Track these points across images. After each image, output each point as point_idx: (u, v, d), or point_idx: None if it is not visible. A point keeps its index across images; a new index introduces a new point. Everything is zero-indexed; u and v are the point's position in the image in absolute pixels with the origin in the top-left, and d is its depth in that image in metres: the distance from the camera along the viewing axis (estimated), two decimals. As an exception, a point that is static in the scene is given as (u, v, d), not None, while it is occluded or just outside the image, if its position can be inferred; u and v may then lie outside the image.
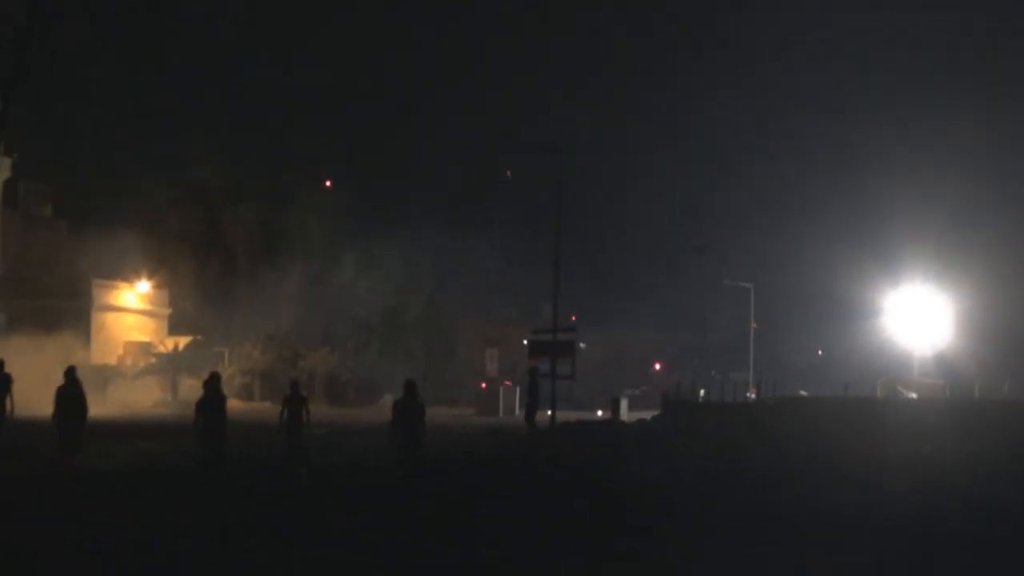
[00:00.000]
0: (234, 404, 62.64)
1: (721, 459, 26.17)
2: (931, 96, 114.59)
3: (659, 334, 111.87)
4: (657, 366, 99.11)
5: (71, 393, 23.87)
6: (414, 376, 23.45)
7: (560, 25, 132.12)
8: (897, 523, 18.06)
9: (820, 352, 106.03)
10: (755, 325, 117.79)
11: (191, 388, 63.73)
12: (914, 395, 52.56)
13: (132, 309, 67.77)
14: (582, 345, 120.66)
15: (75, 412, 23.93)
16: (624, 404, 46.63)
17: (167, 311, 70.38)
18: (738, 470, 24.16)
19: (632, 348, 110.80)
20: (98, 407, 52.58)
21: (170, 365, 63.79)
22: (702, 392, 59.00)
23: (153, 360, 64.47)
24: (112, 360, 63.65)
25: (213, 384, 21.37)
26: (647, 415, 43.90)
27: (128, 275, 66.70)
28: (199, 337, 67.21)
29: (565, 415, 51.53)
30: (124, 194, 69.71)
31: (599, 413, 52.02)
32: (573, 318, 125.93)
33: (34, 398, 49.75)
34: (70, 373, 24.22)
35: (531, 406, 33.61)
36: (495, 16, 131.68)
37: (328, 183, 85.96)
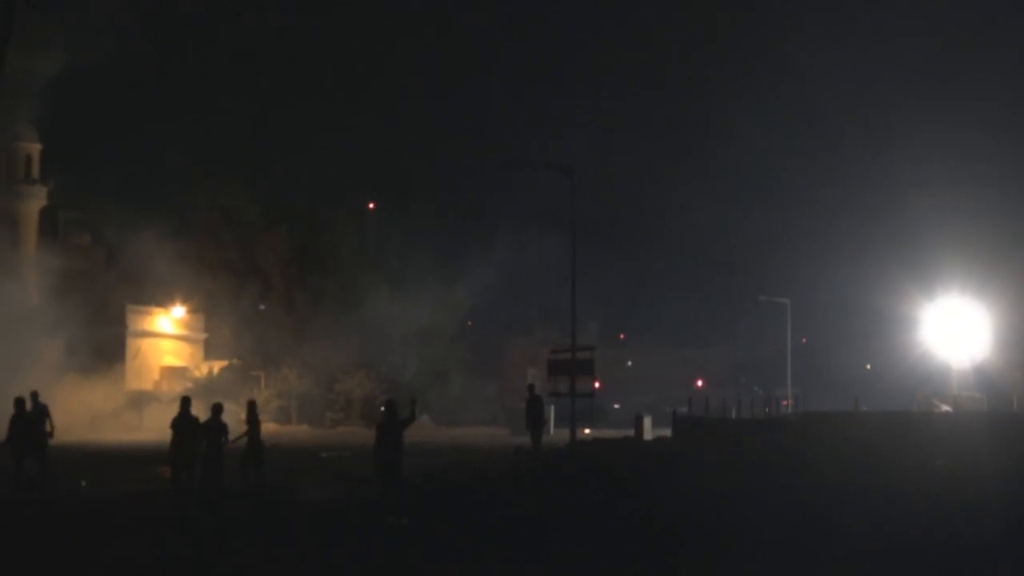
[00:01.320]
0: (271, 428, 64.21)
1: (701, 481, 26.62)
2: (972, 108, 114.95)
3: (702, 350, 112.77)
4: (699, 383, 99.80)
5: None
6: (415, 395, 24.44)
7: (585, 45, 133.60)
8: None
9: (868, 366, 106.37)
10: (804, 340, 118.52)
11: (228, 413, 65.18)
12: (949, 408, 53.05)
13: (168, 334, 69.44)
14: (629, 363, 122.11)
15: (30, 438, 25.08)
16: (648, 422, 47.40)
17: (203, 336, 71.91)
18: (715, 492, 24.56)
19: (676, 365, 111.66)
20: (134, 432, 54.30)
21: (206, 390, 65.17)
22: (734, 409, 59.76)
23: (189, 385, 65.91)
24: (148, 385, 65.21)
25: (185, 406, 22.48)
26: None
27: (163, 301, 68.32)
28: (235, 361, 68.69)
29: (605, 432, 52.57)
30: (161, 221, 71.38)
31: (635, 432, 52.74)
32: (622, 336, 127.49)
33: (67, 423, 51.51)
34: (25, 400, 25.52)
35: (534, 425, 34.43)
36: (522, 38, 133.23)
37: (371, 205, 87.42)
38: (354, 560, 16.94)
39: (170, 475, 22.59)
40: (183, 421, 22.59)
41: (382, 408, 22.03)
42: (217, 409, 23.05)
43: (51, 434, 26.74)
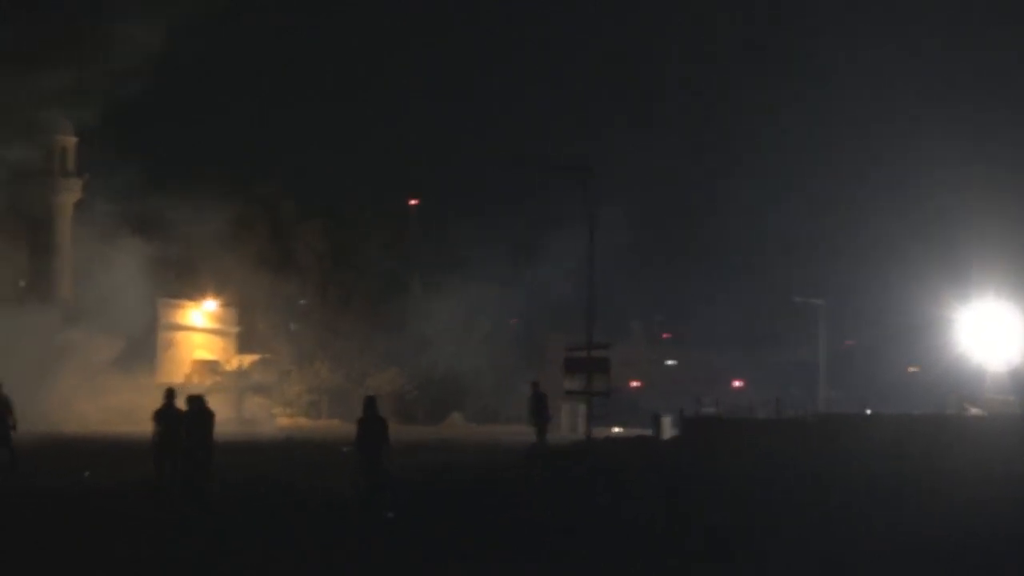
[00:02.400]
0: (302, 422, 65.26)
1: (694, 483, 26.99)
2: (1005, 111, 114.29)
3: (746, 351, 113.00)
4: (736, 383, 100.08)
5: None
6: (407, 392, 25.12)
7: (610, 44, 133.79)
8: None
9: (913, 369, 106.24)
10: (848, 342, 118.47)
11: (259, 406, 66.52)
12: (980, 411, 53.27)
13: (200, 328, 70.61)
14: (669, 362, 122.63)
15: None
16: (667, 421, 47.97)
17: (235, 330, 73.08)
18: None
19: (719, 365, 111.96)
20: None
21: (237, 384, 66.43)
22: (767, 410, 60.32)
23: (219, 379, 67.09)
24: (179, 379, 66.40)
25: (169, 398, 23.09)
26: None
27: (196, 294, 69.56)
28: (267, 355, 69.83)
29: (634, 431, 53.28)
30: (196, 212, 72.33)
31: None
32: (665, 336, 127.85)
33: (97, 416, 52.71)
34: None
35: (538, 421, 34.97)
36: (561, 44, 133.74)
37: (414, 201, 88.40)
38: (347, 560, 17.49)
39: (153, 469, 23.09)
40: (167, 414, 23.11)
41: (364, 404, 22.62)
42: (198, 401, 23.36)
43: (14, 427, 27.12)
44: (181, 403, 23.17)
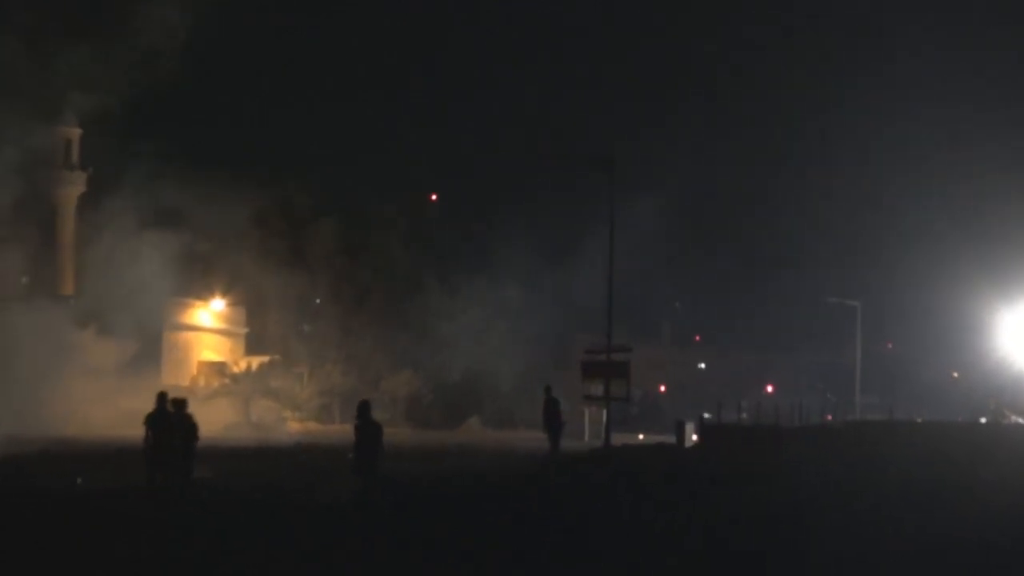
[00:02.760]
0: (312, 427, 65.88)
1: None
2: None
3: (781, 354, 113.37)
4: (769, 388, 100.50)
5: None
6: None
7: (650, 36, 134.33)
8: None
9: (956, 374, 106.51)
10: (890, 345, 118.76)
11: (268, 410, 67.21)
12: (1021, 419, 53.78)
13: (207, 328, 71.37)
14: (701, 365, 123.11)
15: None
16: (691, 428, 48.46)
17: (244, 330, 73.83)
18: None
19: (751, 368, 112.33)
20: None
21: (244, 386, 67.08)
22: (795, 416, 60.87)
23: (227, 381, 67.78)
24: (184, 381, 67.14)
25: (162, 401, 23.94)
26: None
27: (202, 292, 70.27)
28: (276, 357, 70.45)
29: (658, 438, 53.81)
30: (203, 208, 72.93)
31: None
32: (697, 338, 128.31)
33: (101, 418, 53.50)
34: None
35: (552, 428, 35.35)
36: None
37: (433, 196, 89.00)
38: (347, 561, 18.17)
39: (146, 474, 23.89)
40: (158, 418, 23.97)
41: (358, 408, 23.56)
42: (179, 406, 24.28)
43: None
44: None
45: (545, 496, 26.70)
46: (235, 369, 69.20)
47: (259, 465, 39.12)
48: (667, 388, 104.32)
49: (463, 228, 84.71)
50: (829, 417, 69.96)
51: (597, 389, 44.06)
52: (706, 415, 52.71)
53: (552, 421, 35.47)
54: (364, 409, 23.28)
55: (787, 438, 38.45)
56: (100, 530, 20.66)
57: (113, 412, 57.53)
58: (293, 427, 65.79)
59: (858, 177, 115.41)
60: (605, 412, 45.96)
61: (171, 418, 23.98)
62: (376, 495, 22.74)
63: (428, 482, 30.14)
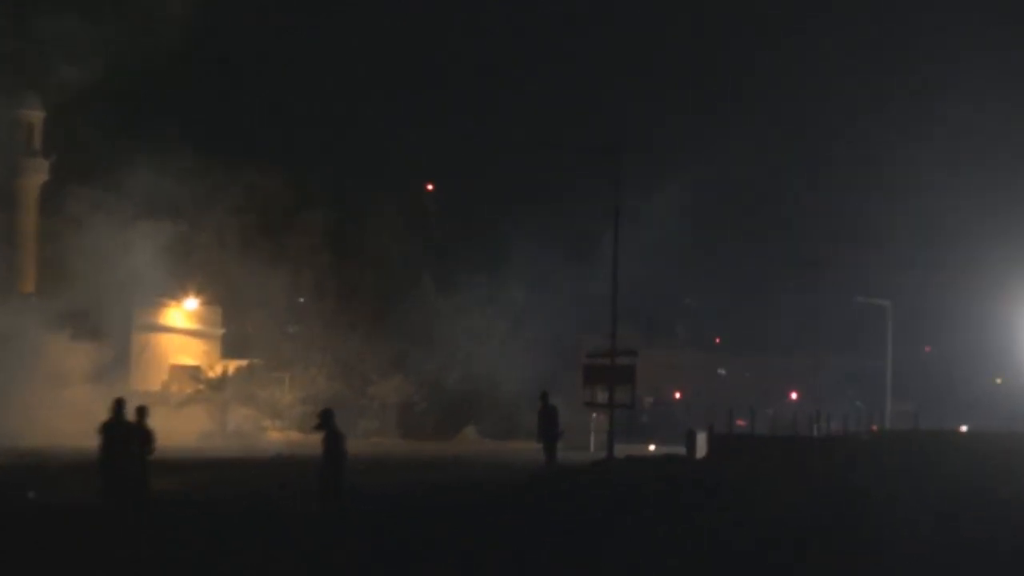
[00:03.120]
0: (294, 436, 66.36)
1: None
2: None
3: (808, 358, 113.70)
4: (793, 395, 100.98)
5: None
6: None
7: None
8: None
9: (999, 380, 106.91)
10: (928, 349, 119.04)
11: (246, 418, 67.76)
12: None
13: (180, 329, 71.78)
14: (720, 371, 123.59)
15: None
16: (702, 438, 48.80)
17: (219, 331, 74.18)
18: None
19: (776, 373, 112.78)
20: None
21: (221, 392, 67.56)
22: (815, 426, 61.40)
23: (201, 386, 68.23)
24: (155, 386, 67.59)
25: (119, 409, 24.42)
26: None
27: (175, 291, 70.56)
28: (255, 361, 70.81)
29: (674, 448, 54.31)
30: (178, 200, 73.04)
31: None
32: (717, 340, 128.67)
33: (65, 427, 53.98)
34: None
35: (548, 437, 35.70)
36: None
37: (430, 186, 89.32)
38: None
39: (101, 485, 24.36)
40: (116, 426, 24.46)
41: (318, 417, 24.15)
42: (141, 412, 24.85)
43: None
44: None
45: (525, 513, 26.95)
46: (210, 374, 69.58)
47: (231, 477, 39.63)
48: (683, 394, 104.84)
49: (464, 223, 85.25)
50: (875, 428, 70.59)
51: (600, 395, 44.56)
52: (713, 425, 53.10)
53: (548, 430, 35.83)
54: (328, 418, 23.79)
55: (806, 450, 38.88)
56: (44, 548, 21.13)
57: (77, 420, 58.01)
58: (273, 436, 66.19)
59: (895, 172, 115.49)
60: (598, 420, 46.44)
61: (129, 427, 24.43)
62: (339, 512, 23.26)
63: (408, 495, 30.46)
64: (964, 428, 67.31)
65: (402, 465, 47.13)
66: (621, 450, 53.76)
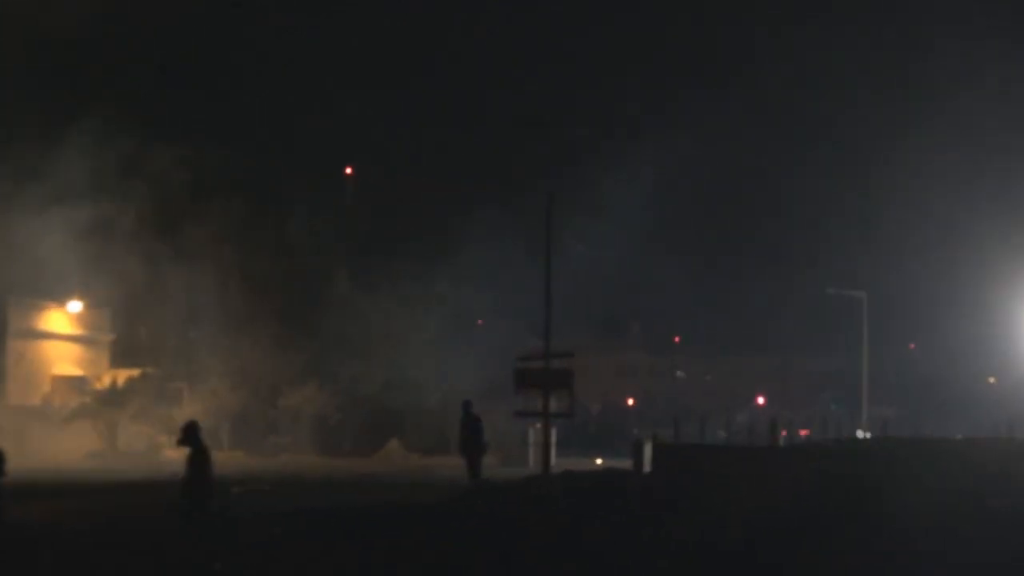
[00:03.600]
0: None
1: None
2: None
3: (778, 358, 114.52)
4: (760, 399, 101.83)
5: None
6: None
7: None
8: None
9: (992, 379, 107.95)
10: (912, 346, 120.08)
11: (138, 435, 67.47)
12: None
13: (62, 335, 71.27)
14: (679, 373, 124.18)
15: None
16: (648, 450, 48.99)
17: (108, 337, 73.82)
18: None
19: (741, 375, 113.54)
20: (13, 459, 56.37)
21: (110, 406, 67.13)
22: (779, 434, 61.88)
23: (87, 399, 67.82)
24: (36, 399, 67.28)
25: None
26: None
27: (57, 292, 70.01)
28: (149, 370, 70.51)
29: (624, 462, 54.50)
30: (53, 187, 72.50)
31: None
32: (677, 339, 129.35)
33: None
34: None
35: (471, 451, 35.74)
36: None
37: (349, 170, 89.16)
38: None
39: None
40: None
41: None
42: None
43: None
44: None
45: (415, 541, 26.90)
46: (98, 385, 69.07)
47: (113, 502, 39.53)
48: (636, 401, 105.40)
49: (393, 214, 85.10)
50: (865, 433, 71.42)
51: (533, 403, 44.65)
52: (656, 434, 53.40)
53: (470, 443, 35.93)
54: (192, 432, 23.87)
55: (756, 462, 39.07)
56: None
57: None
58: (170, 455, 65.95)
59: (869, 157, 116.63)
60: (538, 432, 46.55)
61: None
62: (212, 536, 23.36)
63: (288, 518, 30.47)
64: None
65: (306, 486, 47.05)
66: (565, 465, 53.94)
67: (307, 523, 29.17)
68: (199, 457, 23.50)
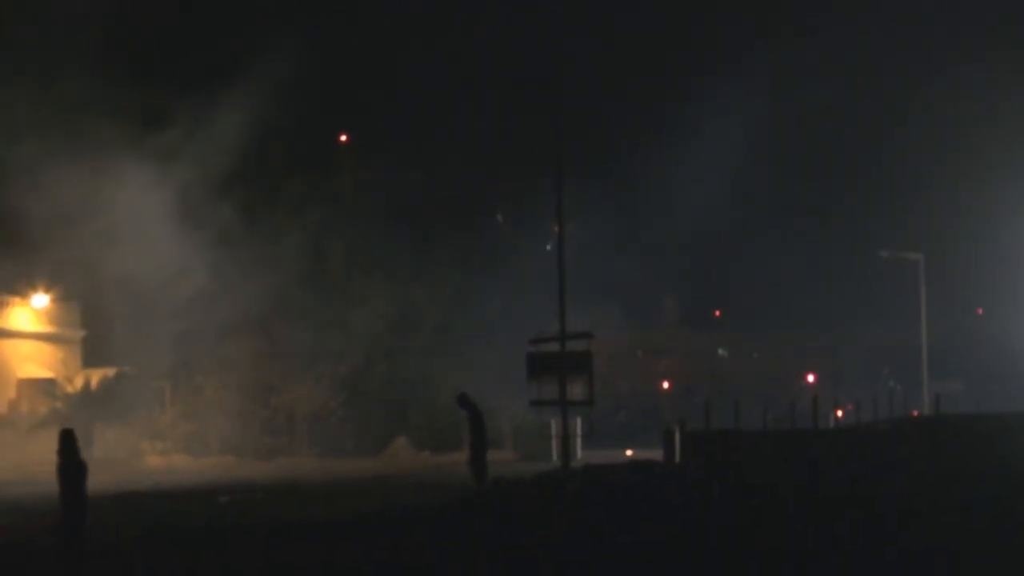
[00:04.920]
0: (177, 460, 66.12)
1: None
2: None
3: (831, 332, 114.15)
4: (810, 378, 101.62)
5: None
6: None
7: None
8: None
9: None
10: (980, 312, 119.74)
11: (117, 441, 67.49)
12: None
13: (27, 333, 71.30)
14: (720, 351, 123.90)
15: None
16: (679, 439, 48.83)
17: (79, 334, 73.82)
18: None
19: (791, 352, 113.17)
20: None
21: (83, 410, 67.03)
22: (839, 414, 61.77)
23: (58, 404, 67.76)
24: (1, 406, 67.34)
25: None
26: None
27: (18, 286, 69.85)
28: (126, 368, 70.37)
29: (649, 453, 54.49)
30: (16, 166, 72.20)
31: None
32: (718, 314, 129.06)
33: None
34: None
35: (476, 447, 35.37)
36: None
37: (343, 137, 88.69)
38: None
39: None
40: None
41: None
42: None
43: None
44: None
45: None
46: (69, 388, 69.10)
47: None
48: (672, 384, 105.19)
49: (391, 178, 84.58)
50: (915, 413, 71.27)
51: (549, 391, 44.64)
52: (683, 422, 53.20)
53: (473, 441, 35.54)
54: (68, 442, 23.92)
55: (798, 448, 39.05)
56: None
57: None
58: (152, 462, 66.02)
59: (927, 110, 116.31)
60: (560, 424, 46.48)
61: None
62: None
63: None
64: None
65: (304, 493, 47.03)
66: (591, 458, 53.95)
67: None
68: (73, 472, 23.50)
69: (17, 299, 70.81)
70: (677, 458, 46.18)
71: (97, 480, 53.45)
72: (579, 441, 63.52)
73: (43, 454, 62.75)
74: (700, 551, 25.33)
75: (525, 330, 78.36)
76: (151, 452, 68.13)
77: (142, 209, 70.86)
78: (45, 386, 69.58)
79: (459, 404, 36.42)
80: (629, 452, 61.20)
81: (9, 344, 70.63)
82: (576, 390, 45.45)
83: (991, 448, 37.61)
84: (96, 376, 69.74)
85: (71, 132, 66.50)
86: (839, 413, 68.45)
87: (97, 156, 66.61)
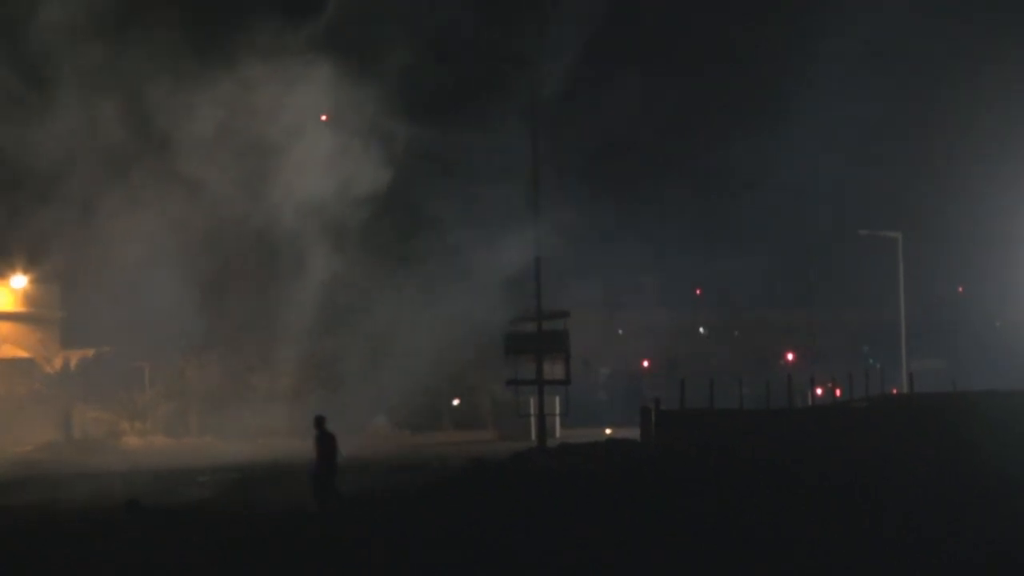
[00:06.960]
0: (158, 441, 66.61)
1: None
2: None
3: (811, 309, 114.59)
4: (789, 356, 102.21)
5: None
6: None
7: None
8: None
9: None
10: (961, 290, 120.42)
11: (95, 422, 67.93)
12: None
13: (6, 314, 71.63)
14: (701, 330, 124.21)
15: None
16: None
17: (57, 314, 74.06)
18: None
19: (771, 330, 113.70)
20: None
21: (62, 391, 67.45)
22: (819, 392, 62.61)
23: (37, 385, 68.18)
24: (-22, 388, 67.79)
25: None
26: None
27: (-2, 266, 70.15)
28: (105, 348, 70.70)
29: (625, 431, 55.15)
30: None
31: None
32: (699, 292, 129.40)
33: None
34: None
35: (324, 469, 34.29)
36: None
37: (324, 117, 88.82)
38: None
39: None
40: None
41: None
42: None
43: None
44: None
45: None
46: (48, 368, 69.56)
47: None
48: (652, 363, 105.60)
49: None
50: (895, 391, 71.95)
51: (528, 371, 45.19)
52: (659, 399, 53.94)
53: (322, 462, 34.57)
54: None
55: (766, 426, 39.76)
56: None
57: None
58: (132, 443, 66.42)
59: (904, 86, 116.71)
60: (535, 402, 46.94)
61: None
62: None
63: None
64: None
65: (281, 472, 47.47)
66: (572, 436, 54.68)
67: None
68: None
69: (-3, 279, 71.17)
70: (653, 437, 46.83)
71: (76, 461, 54.53)
72: (557, 420, 64.03)
73: (23, 435, 63.73)
74: (667, 531, 25.99)
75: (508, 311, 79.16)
76: (130, 433, 68.50)
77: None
78: (23, 367, 69.90)
79: (317, 425, 35.63)
80: (608, 431, 61.84)
81: (-14, 325, 71.11)
82: (555, 369, 46.08)
83: (953, 429, 38.28)
84: (75, 357, 70.14)
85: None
86: (819, 391, 69.09)
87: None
